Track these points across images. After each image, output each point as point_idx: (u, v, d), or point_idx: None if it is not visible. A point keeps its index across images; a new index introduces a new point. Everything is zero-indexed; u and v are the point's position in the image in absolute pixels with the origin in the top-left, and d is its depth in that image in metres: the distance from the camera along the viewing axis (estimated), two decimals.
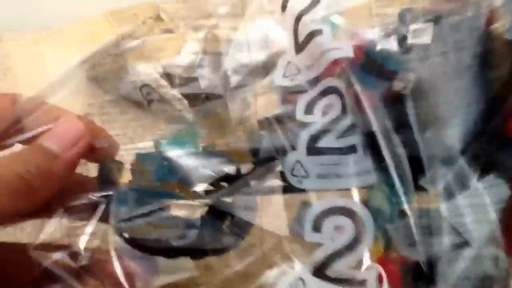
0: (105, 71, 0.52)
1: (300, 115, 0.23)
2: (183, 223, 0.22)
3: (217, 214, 0.22)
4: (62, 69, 0.56)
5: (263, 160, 0.23)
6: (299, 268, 0.22)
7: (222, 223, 0.22)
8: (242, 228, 0.22)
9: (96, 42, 0.53)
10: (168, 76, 0.48)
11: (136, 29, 0.51)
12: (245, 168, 0.23)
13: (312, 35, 0.24)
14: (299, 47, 0.25)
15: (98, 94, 0.54)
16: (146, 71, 0.49)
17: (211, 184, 0.23)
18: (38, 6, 0.67)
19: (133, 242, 0.22)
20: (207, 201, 0.23)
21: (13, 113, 0.25)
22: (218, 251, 0.22)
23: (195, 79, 0.47)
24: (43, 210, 0.23)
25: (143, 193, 0.23)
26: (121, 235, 0.22)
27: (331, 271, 0.22)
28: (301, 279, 0.21)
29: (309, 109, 0.23)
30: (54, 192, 0.22)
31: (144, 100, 0.49)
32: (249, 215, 0.22)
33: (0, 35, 0.63)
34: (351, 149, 0.22)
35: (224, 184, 0.23)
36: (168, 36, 0.50)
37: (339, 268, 0.21)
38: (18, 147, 0.25)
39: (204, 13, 0.51)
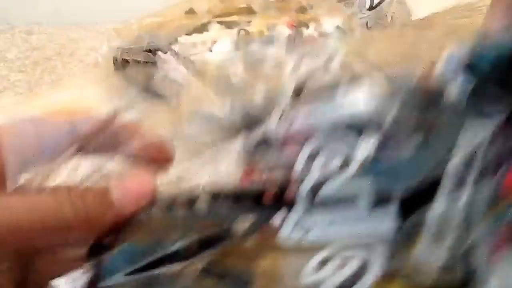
0: (137, 66, 0.52)
1: (299, 165, 0.22)
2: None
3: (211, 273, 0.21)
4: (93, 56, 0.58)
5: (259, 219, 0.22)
6: None
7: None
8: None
9: (124, 37, 0.54)
10: (199, 73, 0.48)
11: (165, 25, 0.51)
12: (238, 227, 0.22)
13: None
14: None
15: (126, 88, 0.54)
16: (176, 68, 0.49)
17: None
18: (67, 2, 0.68)
19: None
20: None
21: (72, 137, 0.25)
22: None
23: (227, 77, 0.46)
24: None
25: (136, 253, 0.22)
26: None
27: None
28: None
29: (310, 161, 0.22)
30: (85, 240, 0.21)
31: (173, 97, 0.49)
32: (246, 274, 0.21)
33: (30, 28, 0.67)
34: (354, 199, 0.21)
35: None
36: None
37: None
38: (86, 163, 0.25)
39: (237, 10, 0.50)
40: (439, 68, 0.22)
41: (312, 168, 0.21)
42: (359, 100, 0.23)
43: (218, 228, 0.21)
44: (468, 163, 0.21)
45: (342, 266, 0.20)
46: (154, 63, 0.49)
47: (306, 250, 0.21)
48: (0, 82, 0.52)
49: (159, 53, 0.48)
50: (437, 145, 0.22)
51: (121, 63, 0.53)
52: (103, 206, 0.22)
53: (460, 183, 0.21)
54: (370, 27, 0.49)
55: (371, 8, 0.48)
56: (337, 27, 0.45)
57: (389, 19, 0.49)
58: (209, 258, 0.20)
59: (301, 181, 0.21)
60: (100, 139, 0.25)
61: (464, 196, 0.20)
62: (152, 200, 0.22)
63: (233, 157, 0.24)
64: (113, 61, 0.53)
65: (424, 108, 0.22)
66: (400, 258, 0.20)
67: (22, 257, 0.22)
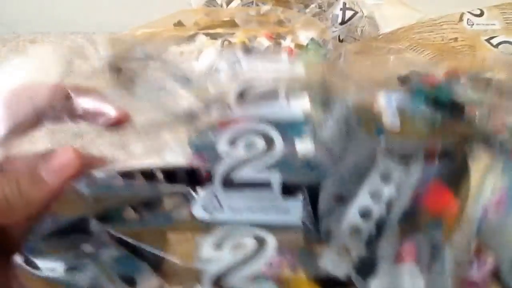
0: (128, 75, 0.55)
1: (222, 146, 0.23)
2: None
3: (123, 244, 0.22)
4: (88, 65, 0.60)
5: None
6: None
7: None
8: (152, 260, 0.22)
9: (118, 46, 0.56)
10: (185, 80, 0.51)
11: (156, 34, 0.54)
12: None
13: None
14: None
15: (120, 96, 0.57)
16: (164, 75, 0.52)
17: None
18: (67, 13, 0.71)
19: None
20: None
21: (50, 99, 0.27)
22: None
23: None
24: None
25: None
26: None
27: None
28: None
29: (232, 142, 0.23)
30: (31, 216, 0.24)
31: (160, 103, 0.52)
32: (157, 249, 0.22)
33: (34, 37, 0.67)
34: (267, 186, 0.22)
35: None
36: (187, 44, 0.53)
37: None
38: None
39: (221, 22, 0.53)
40: (380, 101, 0.24)
41: (232, 152, 0.22)
42: (297, 107, 0.24)
43: (149, 200, 0.22)
44: (385, 180, 0.22)
45: (238, 247, 0.21)
46: (145, 71, 0.52)
47: (210, 228, 0.21)
48: None
49: (150, 61, 0.51)
50: (358, 158, 0.22)
51: (115, 70, 0.55)
52: (33, 182, 0.24)
53: (376, 200, 0.22)
54: (342, 40, 0.53)
55: (343, 22, 0.52)
56: (312, 39, 0.48)
57: (359, 33, 0.53)
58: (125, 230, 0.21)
59: (220, 162, 0.21)
60: (57, 106, 0.25)
61: (378, 212, 0.21)
62: (78, 171, 0.24)
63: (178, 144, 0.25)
64: (108, 67, 0.56)
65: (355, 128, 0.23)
66: (306, 258, 0.21)
67: None
